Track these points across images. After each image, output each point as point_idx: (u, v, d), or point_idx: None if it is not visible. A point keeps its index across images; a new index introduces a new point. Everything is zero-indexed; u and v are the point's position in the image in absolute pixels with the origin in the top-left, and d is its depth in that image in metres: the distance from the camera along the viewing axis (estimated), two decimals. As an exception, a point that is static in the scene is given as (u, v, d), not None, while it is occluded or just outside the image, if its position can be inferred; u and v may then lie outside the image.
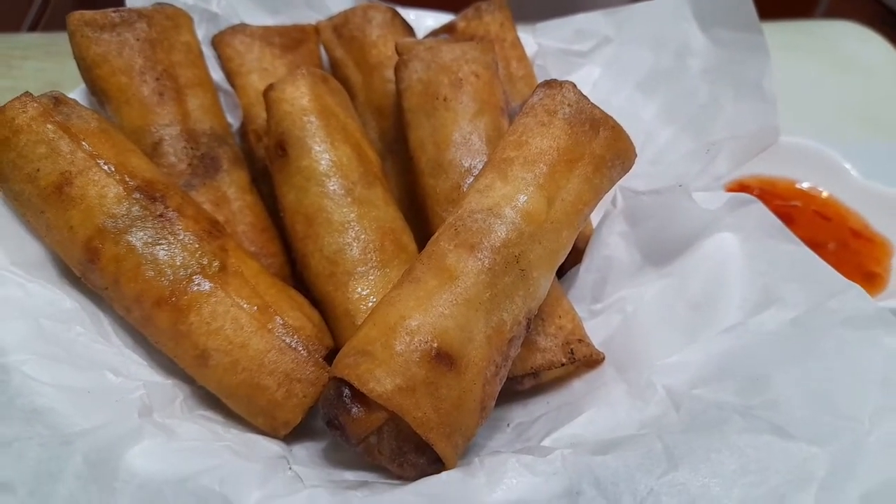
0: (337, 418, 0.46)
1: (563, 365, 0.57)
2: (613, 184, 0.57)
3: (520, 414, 0.59)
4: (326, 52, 0.76)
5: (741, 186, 0.87)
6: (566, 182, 0.52)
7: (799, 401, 0.46)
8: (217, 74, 0.73)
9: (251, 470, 0.46)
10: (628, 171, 0.58)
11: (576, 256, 0.65)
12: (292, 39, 0.74)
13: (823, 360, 0.47)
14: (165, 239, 0.53)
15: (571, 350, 0.57)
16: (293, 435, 0.55)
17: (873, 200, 0.85)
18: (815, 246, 0.79)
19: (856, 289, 0.51)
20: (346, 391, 0.46)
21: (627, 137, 0.56)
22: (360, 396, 0.46)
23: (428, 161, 0.63)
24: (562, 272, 0.67)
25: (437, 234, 0.52)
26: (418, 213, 0.65)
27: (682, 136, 0.71)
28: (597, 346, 0.62)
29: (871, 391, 0.45)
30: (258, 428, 0.54)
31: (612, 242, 0.64)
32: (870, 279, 0.78)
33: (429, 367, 0.46)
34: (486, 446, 0.55)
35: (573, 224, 0.52)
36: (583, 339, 0.59)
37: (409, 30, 0.76)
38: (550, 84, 0.56)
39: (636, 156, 0.58)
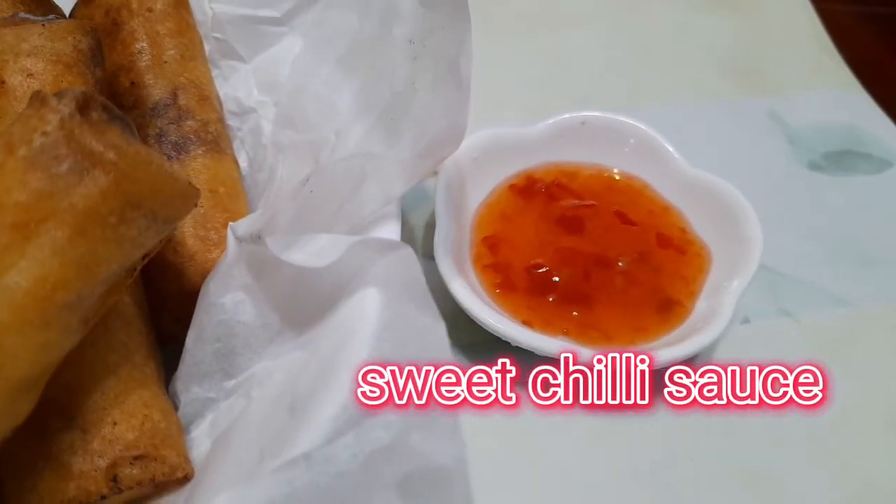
0: None
1: (104, 497, 0.40)
2: (141, 246, 0.38)
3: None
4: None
5: (529, 180, 0.68)
6: (16, 258, 0.34)
7: None
8: None
9: None
10: (175, 221, 0.40)
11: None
12: None
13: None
14: None
15: (116, 476, 0.41)
16: None
17: (696, 194, 0.65)
18: (602, 264, 0.61)
19: (448, 417, 0.33)
20: None
21: (160, 175, 0.38)
22: None
23: (-38, 201, 0.45)
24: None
25: None
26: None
27: (373, 134, 0.52)
28: (212, 445, 0.46)
29: None
30: None
31: (231, 301, 0.46)
32: (665, 309, 0.59)
33: None
34: None
35: (34, 321, 0.34)
36: (146, 455, 0.42)
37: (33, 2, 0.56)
38: (32, 99, 0.37)
39: (196, 196, 0.40)
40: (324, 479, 0.34)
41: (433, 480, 0.31)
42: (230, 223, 0.45)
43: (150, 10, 0.55)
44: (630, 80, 0.87)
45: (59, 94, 0.37)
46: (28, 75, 0.46)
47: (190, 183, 0.39)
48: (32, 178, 0.35)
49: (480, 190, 0.66)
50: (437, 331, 0.38)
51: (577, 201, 0.66)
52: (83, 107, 0.37)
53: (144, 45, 0.55)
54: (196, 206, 0.40)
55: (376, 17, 0.55)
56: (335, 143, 0.54)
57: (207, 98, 0.55)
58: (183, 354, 0.47)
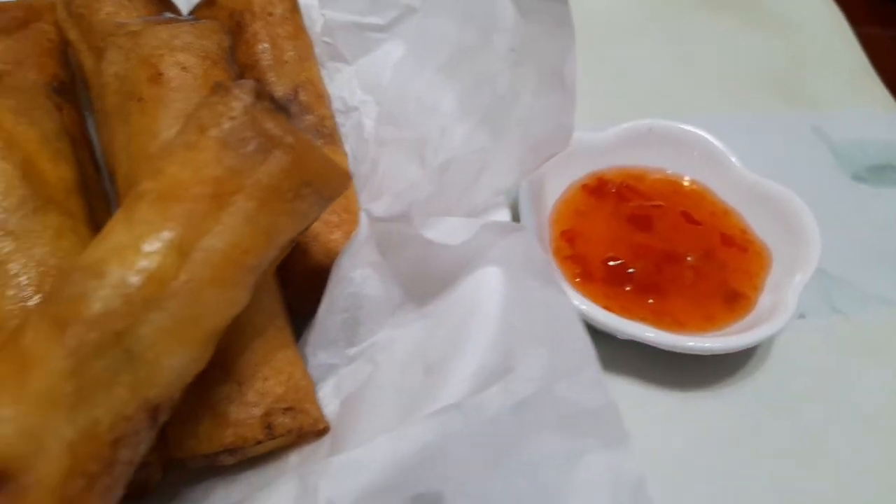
0: None
1: (259, 443, 0.45)
2: (307, 219, 0.44)
3: (219, 498, 0.47)
4: (64, 34, 0.63)
5: (600, 181, 0.73)
6: (213, 225, 0.39)
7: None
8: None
9: None
10: (333, 199, 0.45)
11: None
12: (13, 19, 0.61)
13: (514, 479, 0.35)
14: None
15: (270, 424, 0.46)
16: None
17: (756, 198, 0.71)
18: (672, 259, 0.66)
19: (591, 369, 0.38)
20: None
21: (323, 158, 0.43)
22: None
23: (122, 180, 0.50)
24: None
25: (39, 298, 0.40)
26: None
27: (477, 133, 0.57)
28: (340, 404, 0.50)
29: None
30: None
31: (360, 276, 0.51)
32: (731, 301, 0.64)
33: (-33, 490, 0.34)
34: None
35: (226, 279, 0.40)
36: (294, 407, 0.47)
37: (159, 3, 0.62)
38: (216, 88, 0.42)
39: (349, 178, 0.45)
40: (476, 424, 0.39)
41: (586, 421, 0.36)
42: (364, 206, 0.50)
43: (270, 14, 0.61)
44: (679, 92, 0.92)
45: (237, 85, 0.42)
46: (182, 68, 0.51)
47: (343, 167, 0.45)
48: (225, 157, 0.40)
49: (555, 188, 0.72)
50: (563, 301, 0.43)
51: (645, 202, 0.71)
52: (257, 96, 0.42)
53: (266, 45, 0.60)
54: (348, 187, 0.45)
55: (476, 27, 0.60)
56: (439, 141, 0.59)
57: (322, 96, 0.61)
58: (313, 322, 0.52)
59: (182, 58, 0.51)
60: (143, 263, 0.38)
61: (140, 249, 0.38)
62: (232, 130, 0.40)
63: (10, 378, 0.36)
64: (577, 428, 0.35)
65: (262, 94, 0.43)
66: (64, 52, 0.64)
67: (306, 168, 0.42)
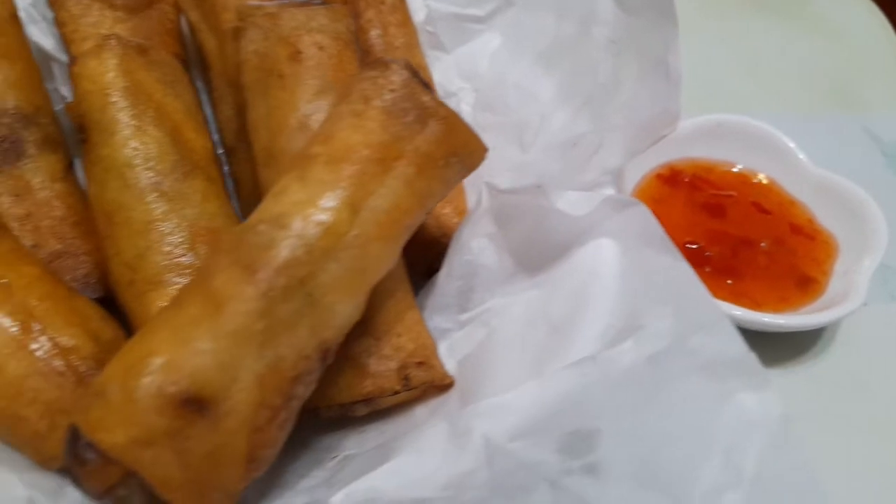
0: (71, 469, 0.39)
1: (396, 393, 0.49)
2: (451, 186, 0.47)
3: (353, 444, 0.51)
4: (184, 15, 0.67)
5: (672, 171, 0.77)
6: (378, 186, 0.43)
7: (623, 468, 0.37)
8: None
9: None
10: (473, 169, 0.49)
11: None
12: (140, 0, 0.64)
13: (664, 418, 0.39)
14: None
15: (407, 376, 0.49)
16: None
17: (822, 191, 0.75)
18: (747, 244, 0.70)
19: (724, 323, 0.42)
20: (83, 438, 0.39)
21: (468, 130, 0.47)
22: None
23: (262, 149, 0.54)
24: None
25: (217, 246, 0.43)
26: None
27: (578, 118, 0.61)
28: (457, 364, 0.54)
29: (709, 464, 0.36)
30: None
31: (477, 246, 0.55)
32: (804, 284, 0.68)
33: (173, 414, 0.38)
34: (296, 486, 0.48)
35: (388, 236, 0.44)
36: (425, 362, 0.50)
37: (277, -11, 0.66)
38: (375, 64, 0.46)
39: (486, 151, 0.49)
40: (613, 374, 0.42)
41: (727, 368, 0.39)
42: (485, 181, 0.54)
43: (382, 2, 0.65)
44: (732, 91, 0.96)
45: (394, 61, 0.46)
46: (319, 48, 0.55)
47: (482, 140, 0.48)
48: (390, 125, 0.44)
49: (631, 177, 0.75)
50: (682, 266, 0.47)
51: (717, 191, 0.75)
52: (411, 73, 0.46)
53: (378, 32, 0.64)
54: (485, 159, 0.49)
55: (575, 20, 0.65)
56: (539, 125, 0.63)
57: (429, 81, 0.64)
58: (432, 288, 0.56)
59: (318, 38, 0.55)
60: (322, 217, 0.41)
61: (318, 205, 0.42)
62: (394, 101, 0.44)
63: (204, 317, 0.40)
64: (720, 374, 0.39)
65: (415, 71, 0.47)
66: (181, 31, 0.68)
67: (455, 139, 0.46)
